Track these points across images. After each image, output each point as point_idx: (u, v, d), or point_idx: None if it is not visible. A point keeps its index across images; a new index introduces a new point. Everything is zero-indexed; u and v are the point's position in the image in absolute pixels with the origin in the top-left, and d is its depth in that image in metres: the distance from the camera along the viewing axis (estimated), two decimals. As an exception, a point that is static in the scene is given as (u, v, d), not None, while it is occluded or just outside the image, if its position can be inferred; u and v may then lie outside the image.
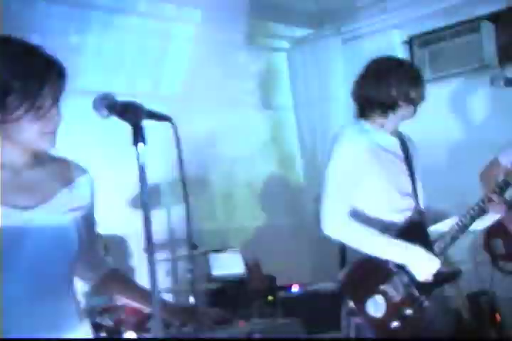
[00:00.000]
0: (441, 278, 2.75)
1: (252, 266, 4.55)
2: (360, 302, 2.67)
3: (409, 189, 2.87)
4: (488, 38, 4.79)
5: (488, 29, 4.80)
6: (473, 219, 2.86)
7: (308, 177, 5.72)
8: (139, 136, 1.54)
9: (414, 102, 2.86)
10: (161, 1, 4.76)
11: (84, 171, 1.86)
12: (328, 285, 4.70)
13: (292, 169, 5.77)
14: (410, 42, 5.32)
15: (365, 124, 2.86)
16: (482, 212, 2.87)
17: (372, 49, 5.40)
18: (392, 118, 2.86)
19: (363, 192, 2.77)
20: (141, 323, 3.55)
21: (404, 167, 2.89)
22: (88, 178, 1.85)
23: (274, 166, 5.63)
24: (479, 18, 4.85)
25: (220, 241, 4.85)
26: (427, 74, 5.11)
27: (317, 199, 5.35)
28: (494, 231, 3.74)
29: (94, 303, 3.46)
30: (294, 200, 5.62)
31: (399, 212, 2.81)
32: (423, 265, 2.68)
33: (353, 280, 2.75)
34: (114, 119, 1.60)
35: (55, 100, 1.66)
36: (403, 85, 2.82)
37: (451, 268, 2.84)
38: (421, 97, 2.88)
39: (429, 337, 2.71)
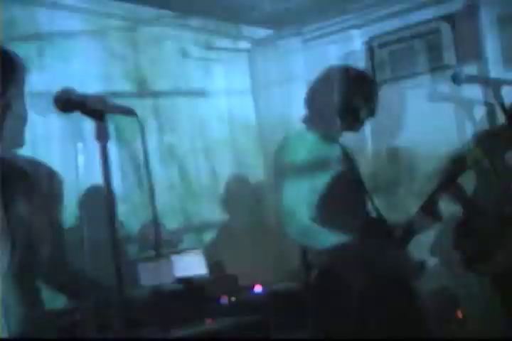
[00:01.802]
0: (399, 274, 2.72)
1: (215, 267, 4.53)
2: None
3: (356, 195, 2.84)
4: (447, 38, 4.85)
5: (447, 29, 4.87)
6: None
7: (269, 177, 5.72)
8: (102, 130, 1.51)
9: (363, 117, 2.85)
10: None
11: (52, 173, 1.81)
12: (290, 285, 4.70)
13: (253, 169, 5.76)
14: (370, 43, 5.36)
15: (309, 133, 2.85)
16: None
17: (333, 49, 5.44)
18: (338, 127, 2.85)
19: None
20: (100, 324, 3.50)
21: (350, 174, 2.87)
22: (56, 180, 1.81)
23: (235, 166, 5.61)
24: (438, 19, 4.92)
25: (183, 242, 4.82)
26: (387, 74, 5.17)
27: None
28: (464, 230, 3.69)
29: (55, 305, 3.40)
30: (256, 199, 5.62)
31: (351, 214, 2.79)
32: None
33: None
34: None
35: (18, 96, 1.60)
36: (358, 98, 2.81)
37: (412, 264, 2.81)
38: (371, 113, 2.87)
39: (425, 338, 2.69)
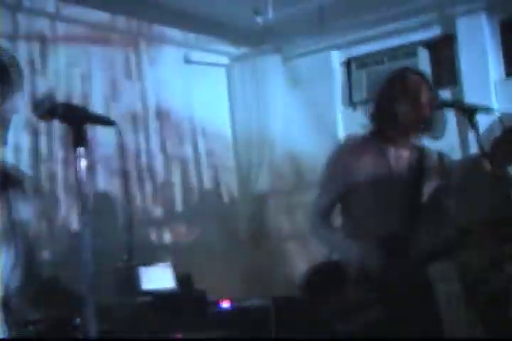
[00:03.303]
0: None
1: (183, 281, 4.49)
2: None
3: (396, 204, 2.72)
4: (424, 63, 4.92)
5: (424, 54, 4.95)
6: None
7: (242, 193, 5.72)
8: (80, 139, 1.50)
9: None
10: (93, 9, 4.69)
11: (26, 178, 1.78)
12: (258, 301, 4.69)
13: (227, 184, 5.74)
14: (348, 64, 5.42)
15: (376, 138, 2.76)
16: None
17: (312, 68, 5.47)
18: (404, 132, 2.76)
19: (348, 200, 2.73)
20: (63, 335, 3.48)
21: (402, 184, 2.73)
22: (29, 186, 1.78)
23: (209, 181, 5.59)
24: (416, 44, 5.01)
25: (152, 255, 4.78)
26: (363, 95, 5.22)
27: (251, 217, 5.40)
28: None
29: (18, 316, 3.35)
30: (227, 215, 5.60)
31: (379, 224, 2.70)
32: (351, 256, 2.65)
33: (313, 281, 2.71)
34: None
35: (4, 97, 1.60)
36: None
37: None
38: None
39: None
